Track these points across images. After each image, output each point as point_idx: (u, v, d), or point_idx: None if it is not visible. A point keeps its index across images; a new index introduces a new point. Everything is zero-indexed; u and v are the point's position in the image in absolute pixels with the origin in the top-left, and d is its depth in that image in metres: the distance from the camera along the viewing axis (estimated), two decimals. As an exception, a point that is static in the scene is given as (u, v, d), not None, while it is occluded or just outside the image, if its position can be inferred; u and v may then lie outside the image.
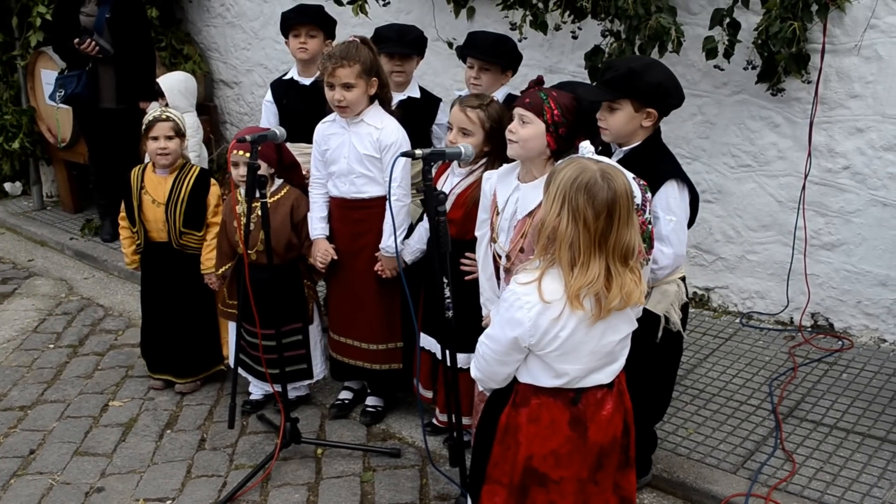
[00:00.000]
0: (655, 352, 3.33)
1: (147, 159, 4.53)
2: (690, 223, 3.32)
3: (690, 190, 3.25)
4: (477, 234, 3.43)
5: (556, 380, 2.60)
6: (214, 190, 4.43)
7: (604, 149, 3.43)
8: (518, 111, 3.11)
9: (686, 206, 3.24)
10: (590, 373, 2.61)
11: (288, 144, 4.14)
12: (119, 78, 6.15)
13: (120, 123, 6.19)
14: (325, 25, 4.52)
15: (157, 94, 5.46)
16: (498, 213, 3.24)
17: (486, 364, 2.70)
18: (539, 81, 3.18)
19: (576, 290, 2.45)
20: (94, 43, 5.95)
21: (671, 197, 3.18)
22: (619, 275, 2.47)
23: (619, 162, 3.25)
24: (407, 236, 3.97)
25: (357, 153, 3.89)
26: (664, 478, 3.71)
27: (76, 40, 5.95)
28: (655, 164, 3.22)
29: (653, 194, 3.15)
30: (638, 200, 2.85)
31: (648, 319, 3.26)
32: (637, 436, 3.44)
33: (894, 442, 3.84)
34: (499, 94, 4.02)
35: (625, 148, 3.30)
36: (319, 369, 4.36)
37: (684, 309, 3.41)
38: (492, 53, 4.08)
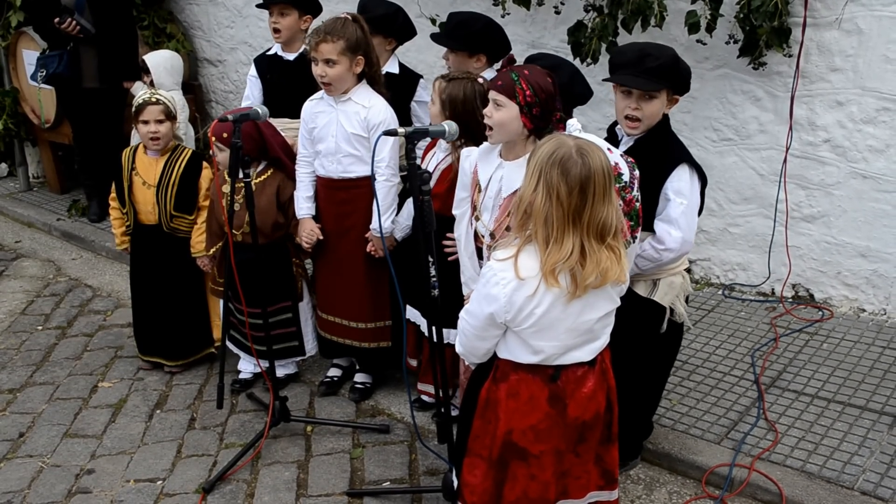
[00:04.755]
0: (658, 342, 3.36)
1: (133, 139, 4.50)
2: (700, 210, 3.29)
3: (700, 175, 3.24)
4: (455, 212, 3.41)
5: (534, 356, 2.63)
6: (206, 173, 4.39)
7: (610, 137, 3.42)
8: (491, 95, 3.09)
9: (697, 191, 3.23)
10: (568, 350, 2.63)
11: (271, 119, 4.10)
12: (101, 57, 6.12)
13: (103, 103, 6.18)
14: (301, 2, 4.48)
15: (142, 72, 5.44)
16: (480, 191, 3.24)
17: (466, 339, 2.74)
18: (511, 60, 3.15)
19: (550, 265, 2.47)
20: (74, 22, 5.91)
21: (682, 181, 3.17)
22: (594, 251, 2.48)
23: (629, 149, 3.25)
24: (397, 214, 3.99)
25: (344, 132, 3.88)
26: (649, 449, 3.76)
27: (56, 20, 5.89)
28: (667, 148, 3.21)
29: (665, 178, 3.15)
30: (626, 178, 2.86)
31: (653, 311, 3.28)
32: (634, 425, 3.49)
33: (874, 410, 3.90)
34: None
35: (634, 135, 3.28)
36: (311, 346, 4.39)
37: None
38: None
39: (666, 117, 3.30)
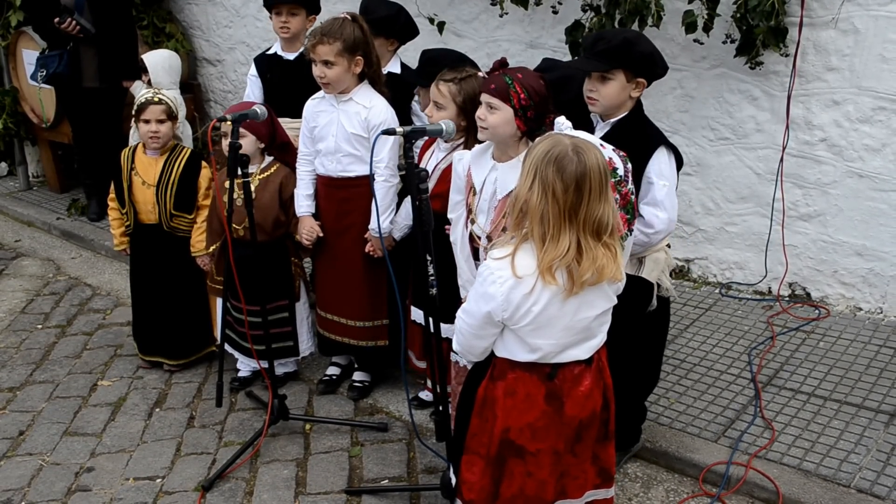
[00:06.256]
0: (647, 320, 3.39)
1: (132, 139, 4.50)
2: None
3: (676, 156, 3.33)
4: (451, 216, 3.41)
5: (531, 354, 2.65)
6: (205, 172, 4.40)
7: (585, 124, 3.45)
8: (484, 98, 3.09)
9: (675, 172, 3.32)
10: (565, 348, 2.65)
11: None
12: (101, 57, 6.13)
13: (103, 103, 6.19)
14: (307, 2, 4.50)
15: (141, 72, 5.45)
16: (475, 194, 3.24)
17: (463, 338, 2.75)
18: (503, 63, 3.15)
19: (547, 262, 2.48)
20: (74, 22, 5.92)
21: (663, 163, 3.25)
22: (590, 248, 2.49)
23: (605, 135, 3.31)
24: (396, 213, 3.99)
25: (345, 132, 3.89)
26: (647, 447, 3.77)
27: (56, 19, 5.90)
28: (644, 133, 3.30)
29: (646, 162, 3.21)
30: (620, 172, 2.87)
31: (641, 288, 3.32)
32: (628, 409, 3.51)
33: (871, 408, 3.92)
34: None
35: (611, 120, 3.35)
36: (306, 346, 4.40)
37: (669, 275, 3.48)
38: None
39: (639, 102, 3.36)
